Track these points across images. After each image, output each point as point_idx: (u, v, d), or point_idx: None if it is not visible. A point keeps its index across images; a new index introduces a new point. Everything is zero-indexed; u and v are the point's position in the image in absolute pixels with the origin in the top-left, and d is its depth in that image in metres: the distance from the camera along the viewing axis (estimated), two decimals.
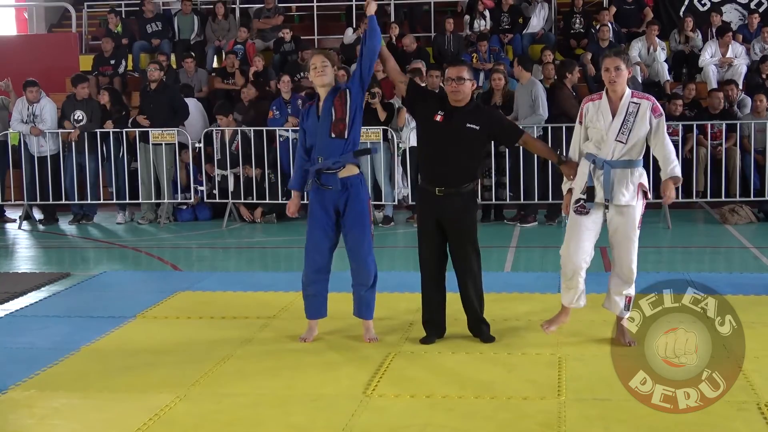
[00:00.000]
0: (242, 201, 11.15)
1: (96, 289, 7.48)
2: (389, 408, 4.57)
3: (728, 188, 10.61)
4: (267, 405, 4.65)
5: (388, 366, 5.21)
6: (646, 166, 5.58)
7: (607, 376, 4.78)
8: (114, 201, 11.59)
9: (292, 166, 8.83)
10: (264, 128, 11.10)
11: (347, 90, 5.52)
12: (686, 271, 7.77)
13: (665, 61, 12.85)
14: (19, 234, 11.02)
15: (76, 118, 11.29)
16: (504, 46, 13.83)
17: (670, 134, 10.60)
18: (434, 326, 5.69)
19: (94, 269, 8.60)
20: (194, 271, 8.51)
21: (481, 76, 12.58)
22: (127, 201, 11.50)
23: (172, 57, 14.15)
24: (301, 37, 14.48)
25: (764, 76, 12.07)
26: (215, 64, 14.55)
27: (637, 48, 12.79)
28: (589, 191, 5.39)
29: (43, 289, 7.53)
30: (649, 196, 5.50)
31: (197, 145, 11.19)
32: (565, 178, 5.60)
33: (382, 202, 10.70)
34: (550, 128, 10.27)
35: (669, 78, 12.76)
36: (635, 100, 5.36)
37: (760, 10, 13.84)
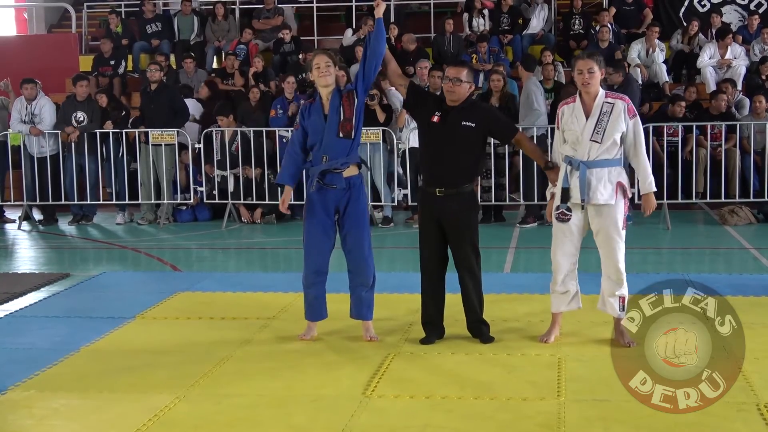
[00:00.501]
0: (242, 202, 11.15)
1: (95, 290, 7.48)
2: (389, 409, 4.57)
3: (728, 189, 10.61)
4: (266, 406, 4.65)
5: (387, 367, 5.21)
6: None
7: (606, 376, 4.78)
8: (114, 201, 11.59)
9: None
10: (264, 129, 11.10)
11: (354, 91, 5.52)
12: (686, 272, 7.77)
13: (664, 62, 12.85)
14: (18, 234, 11.02)
15: (77, 118, 11.28)
16: (504, 46, 13.84)
17: (670, 135, 10.77)
18: (434, 327, 5.69)
19: (93, 270, 8.60)
20: (194, 271, 8.51)
21: (481, 76, 12.59)
22: (127, 202, 11.50)
23: (172, 57, 14.16)
24: (301, 38, 14.49)
25: (764, 77, 12.07)
26: (215, 65, 14.55)
27: (636, 49, 12.80)
28: (564, 192, 5.46)
29: (42, 289, 7.52)
30: (629, 194, 5.54)
31: (197, 145, 11.18)
32: (549, 184, 5.67)
33: (381, 203, 10.71)
34: (548, 129, 10.27)
35: (668, 79, 12.76)
36: (609, 100, 5.44)
37: (760, 11, 13.86)
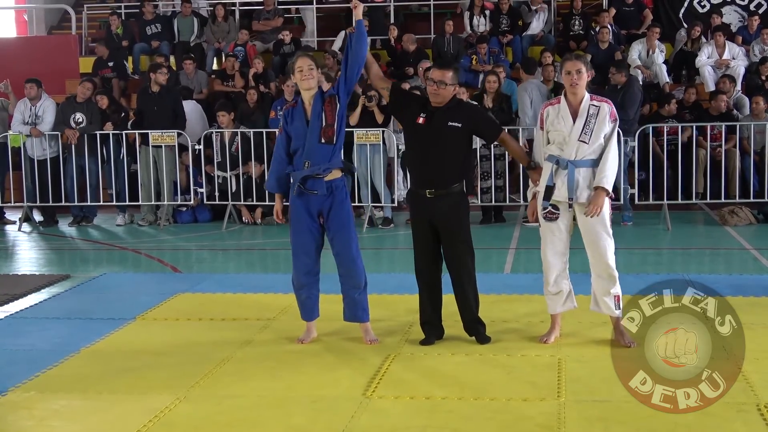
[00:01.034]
0: (242, 203, 11.15)
1: (96, 291, 7.48)
2: (389, 410, 4.57)
3: (728, 190, 10.61)
4: (267, 406, 4.65)
5: (387, 368, 5.21)
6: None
7: (606, 377, 4.79)
8: (114, 203, 11.59)
9: None
10: (264, 130, 11.10)
11: (336, 96, 5.51)
12: (686, 272, 7.77)
13: (664, 62, 12.85)
14: (19, 236, 11.02)
15: (75, 120, 11.29)
16: (503, 47, 13.84)
17: (668, 133, 10.75)
18: (433, 328, 5.69)
19: (94, 271, 8.60)
20: (194, 272, 8.51)
21: (481, 77, 12.58)
22: (127, 203, 11.50)
23: (172, 59, 14.16)
24: (300, 39, 14.50)
25: (764, 77, 12.07)
26: (215, 66, 14.56)
27: (637, 50, 12.79)
28: (548, 191, 5.49)
29: (43, 290, 7.53)
30: (612, 194, 5.58)
31: (197, 147, 11.19)
32: (531, 183, 5.70)
33: (381, 204, 10.72)
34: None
35: (668, 80, 12.77)
36: (595, 102, 5.49)
37: (760, 11, 13.86)
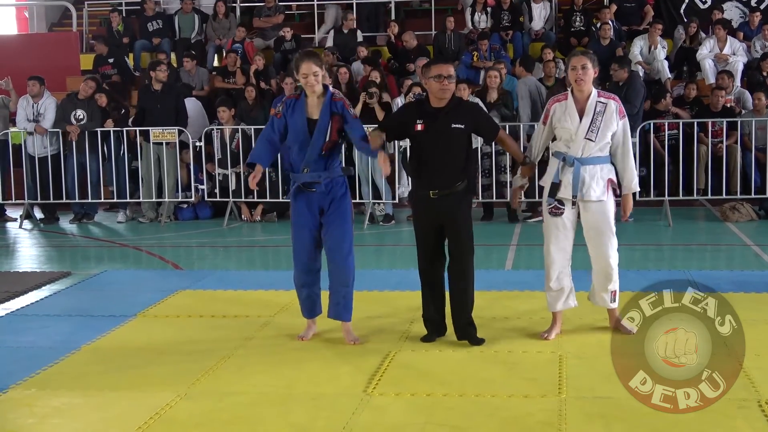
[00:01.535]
0: (243, 200, 11.15)
1: (97, 288, 7.49)
2: (390, 406, 4.57)
3: (729, 186, 10.61)
4: (268, 403, 4.65)
5: (388, 364, 5.21)
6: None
7: (607, 374, 4.77)
8: (115, 200, 11.60)
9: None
10: (264, 127, 11.07)
11: (344, 117, 5.51)
12: (687, 269, 7.77)
13: (666, 58, 12.84)
14: (20, 233, 11.03)
15: (76, 116, 11.29)
16: (505, 43, 13.82)
17: (668, 128, 10.72)
18: (435, 324, 5.68)
19: (94, 268, 8.60)
20: (195, 269, 8.50)
21: (482, 74, 12.58)
22: (128, 200, 11.50)
23: (173, 56, 14.15)
24: (302, 36, 14.48)
25: (765, 73, 12.06)
26: (216, 63, 14.55)
27: (638, 46, 12.77)
28: (553, 187, 5.52)
29: (44, 288, 7.53)
30: (617, 192, 5.62)
31: (198, 144, 11.19)
32: (519, 173, 5.77)
33: (382, 201, 10.71)
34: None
35: (670, 76, 12.75)
36: (602, 99, 5.49)
37: (761, 7, 13.84)
